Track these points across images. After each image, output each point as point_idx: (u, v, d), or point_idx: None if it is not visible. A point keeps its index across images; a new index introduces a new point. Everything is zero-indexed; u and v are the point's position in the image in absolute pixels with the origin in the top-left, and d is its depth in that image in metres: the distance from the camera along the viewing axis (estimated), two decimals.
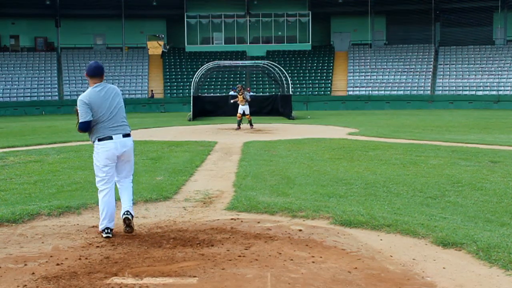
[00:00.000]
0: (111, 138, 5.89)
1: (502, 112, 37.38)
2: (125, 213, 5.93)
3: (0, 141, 17.39)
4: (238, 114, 23.33)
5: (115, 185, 6.14)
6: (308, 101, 45.10)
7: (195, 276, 4.53)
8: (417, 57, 51.35)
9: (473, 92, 46.07)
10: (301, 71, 50.91)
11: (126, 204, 6.02)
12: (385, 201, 7.49)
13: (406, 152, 13.07)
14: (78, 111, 5.87)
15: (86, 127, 5.87)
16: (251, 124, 23.20)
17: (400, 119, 29.27)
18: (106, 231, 5.85)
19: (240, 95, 23.43)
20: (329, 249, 5.33)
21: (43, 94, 47.95)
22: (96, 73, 5.95)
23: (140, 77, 50.87)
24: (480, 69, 48.70)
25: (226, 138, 18.21)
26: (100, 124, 5.87)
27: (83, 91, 6.14)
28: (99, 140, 5.90)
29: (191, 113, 31.43)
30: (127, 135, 6.00)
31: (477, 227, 6.03)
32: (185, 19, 52.73)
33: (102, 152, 5.90)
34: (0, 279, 4.54)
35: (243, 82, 49.06)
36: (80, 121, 5.85)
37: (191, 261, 4.93)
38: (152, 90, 49.26)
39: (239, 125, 23.10)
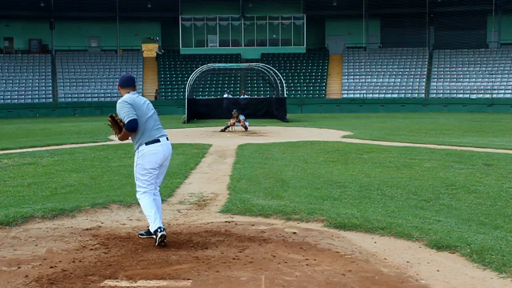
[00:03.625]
0: (158, 140, 5.85)
1: (495, 115, 37.51)
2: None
3: None
4: (230, 122, 23.42)
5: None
6: (302, 104, 45.15)
7: (189, 279, 4.52)
8: (411, 60, 51.51)
9: (467, 95, 46.23)
10: (296, 74, 50.97)
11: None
12: (379, 204, 7.50)
13: (400, 155, 13.10)
14: (121, 113, 5.75)
15: (136, 125, 5.72)
16: (245, 128, 23.26)
17: (395, 122, 29.33)
18: (160, 229, 5.61)
19: (235, 118, 23.49)
20: (323, 252, 5.33)
21: (37, 96, 47.82)
22: (130, 83, 6.03)
23: (135, 79, 50.81)
24: (474, 72, 48.89)
25: (221, 141, 18.21)
26: (142, 127, 5.80)
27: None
28: (147, 143, 5.79)
29: (186, 115, 31.41)
30: (167, 138, 6.01)
31: (471, 230, 6.05)
32: (180, 22, 52.73)
33: (150, 155, 5.78)
34: None
35: (238, 85, 49.14)
36: (128, 119, 5.69)
37: (185, 263, 4.92)
38: (157, 90, 49.23)
39: (225, 129, 23.14)
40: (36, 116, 42.99)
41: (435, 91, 48.01)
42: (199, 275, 4.61)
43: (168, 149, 5.97)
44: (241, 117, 23.63)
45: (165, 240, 5.55)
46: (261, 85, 47.90)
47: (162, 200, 7.80)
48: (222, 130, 23.10)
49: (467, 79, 48.26)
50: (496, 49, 50.94)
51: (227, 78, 49.97)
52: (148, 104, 5.98)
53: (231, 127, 23.34)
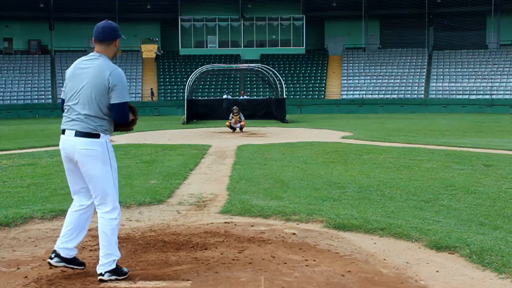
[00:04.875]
0: (63, 132, 4.49)
1: (495, 116, 37.53)
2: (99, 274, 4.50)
3: None
4: (227, 123, 23.58)
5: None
6: (302, 104, 45.17)
7: (188, 280, 4.52)
8: (410, 61, 51.54)
9: (467, 96, 46.28)
10: (295, 74, 50.99)
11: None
12: (378, 205, 7.50)
13: (400, 156, 13.09)
14: None
15: (61, 107, 4.66)
16: (241, 128, 23.43)
17: (394, 122, 29.33)
18: (51, 255, 4.64)
19: (236, 115, 23.55)
20: (323, 253, 5.33)
21: (36, 97, 47.84)
22: (97, 37, 4.53)
23: (134, 80, 50.83)
24: (473, 73, 48.92)
25: (220, 142, 18.21)
26: (65, 110, 4.54)
27: None
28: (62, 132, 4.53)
29: (185, 116, 31.42)
30: (83, 134, 4.39)
31: (470, 230, 6.04)
32: (179, 23, 52.76)
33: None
34: None
35: (237, 86, 49.11)
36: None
37: (185, 264, 4.92)
38: (151, 89, 49.24)
39: (232, 128, 23.34)
40: (36, 116, 43.00)
41: (434, 91, 48.05)
42: (198, 276, 4.61)
43: (70, 148, 4.44)
44: (242, 117, 23.65)
45: (51, 266, 4.62)
46: (261, 86, 47.93)
47: (161, 201, 7.83)
48: (233, 129, 23.24)
49: (467, 80, 48.30)
50: (496, 49, 50.98)
51: (226, 79, 50.00)
52: (85, 78, 4.42)
53: (231, 125, 23.45)
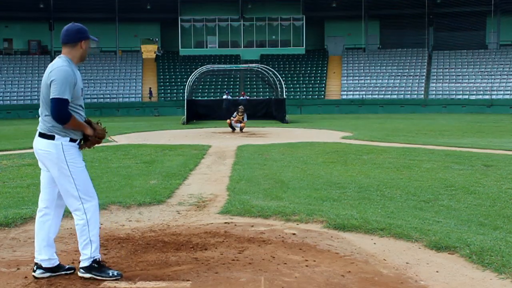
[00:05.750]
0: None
1: (495, 116, 37.53)
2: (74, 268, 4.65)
3: None
4: (228, 121, 23.69)
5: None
6: (302, 104, 45.17)
7: (188, 280, 4.52)
8: (410, 61, 51.54)
9: (466, 96, 46.28)
10: (295, 75, 50.99)
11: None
12: (378, 205, 7.49)
13: (400, 156, 13.10)
14: None
15: None
16: (241, 129, 23.49)
17: (394, 123, 29.33)
18: (34, 267, 4.63)
19: (241, 115, 23.57)
20: (323, 253, 5.33)
21: (36, 97, 47.77)
22: (61, 39, 4.59)
23: (134, 80, 50.82)
24: (473, 73, 48.92)
25: (220, 142, 18.21)
26: None
27: None
28: None
29: (185, 116, 31.42)
30: (40, 135, 4.57)
31: (470, 230, 6.04)
32: (179, 23, 52.76)
33: None
34: None
35: (237, 86, 49.10)
36: None
37: (185, 265, 4.92)
38: (150, 88, 49.22)
39: (232, 128, 23.41)
40: (36, 117, 42.88)
41: (434, 92, 48.05)
42: (198, 276, 4.61)
43: (35, 148, 4.65)
44: (245, 118, 23.66)
45: (36, 278, 4.58)
46: (261, 86, 47.93)
47: (161, 201, 7.83)
48: (233, 130, 23.29)
49: (466, 80, 48.30)
50: (495, 50, 50.99)
51: (226, 79, 50.02)
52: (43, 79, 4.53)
53: (232, 123, 23.49)
